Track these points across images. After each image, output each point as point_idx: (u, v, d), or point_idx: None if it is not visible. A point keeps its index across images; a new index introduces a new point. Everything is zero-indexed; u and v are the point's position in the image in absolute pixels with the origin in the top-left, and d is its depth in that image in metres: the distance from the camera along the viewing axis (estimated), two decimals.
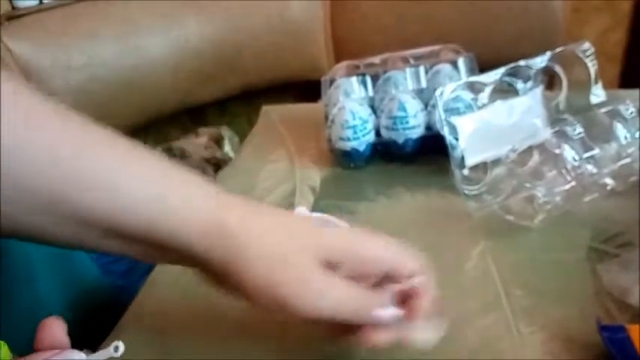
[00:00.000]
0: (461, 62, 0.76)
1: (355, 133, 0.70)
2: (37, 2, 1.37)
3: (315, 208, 0.66)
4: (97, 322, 0.53)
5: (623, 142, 0.62)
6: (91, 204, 0.34)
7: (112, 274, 0.67)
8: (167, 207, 0.36)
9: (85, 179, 0.34)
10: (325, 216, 0.59)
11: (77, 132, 0.35)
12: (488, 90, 0.66)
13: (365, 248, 0.42)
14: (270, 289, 0.37)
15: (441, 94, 0.64)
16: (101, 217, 0.35)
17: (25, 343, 0.51)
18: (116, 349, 0.34)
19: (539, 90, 0.69)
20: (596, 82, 0.70)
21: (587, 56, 0.69)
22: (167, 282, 0.57)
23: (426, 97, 0.72)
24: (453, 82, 0.67)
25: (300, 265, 0.38)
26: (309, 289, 0.37)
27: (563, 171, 0.59)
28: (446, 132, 0.63)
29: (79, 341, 0.53)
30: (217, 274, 0.39)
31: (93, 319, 0.56)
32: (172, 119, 1.56)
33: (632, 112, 0.63)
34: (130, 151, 0.37)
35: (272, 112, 0.92)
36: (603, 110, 0.64)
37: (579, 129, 0.60)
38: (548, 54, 0.68)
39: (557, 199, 0.58)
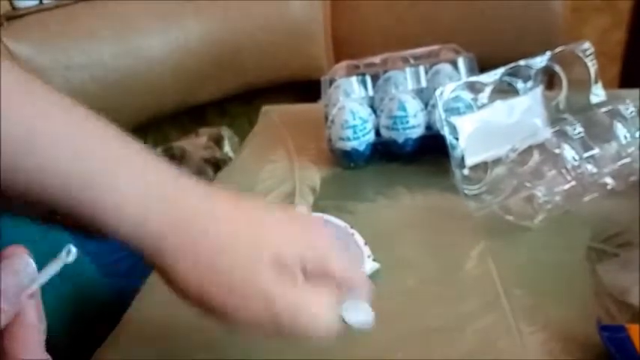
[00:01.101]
0: (461, 62, 0.76)
1: (355, 132, 0.70)
2: (37, 2, 1.37)
3: (315, 208, 0.66)
4: (95, 322, 0.53)
5: (623, 141, 0.62)
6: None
7: (112, 276, 0.67)
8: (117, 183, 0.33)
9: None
10: (325, 216, 0.59)
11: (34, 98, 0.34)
12: (488, 90, 0.66)
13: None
14: (204, 280, 0.34)
15: (441, 93, 0.64)
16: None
17: None
18: (68, 253, 0.32)
19: (539, 90, 0.69)
20: (596, 82, 0.70)
21: (587, 56, 0.69)
22: None
23: (426, 96, 0.72)
24: (453, 81, 0.67)
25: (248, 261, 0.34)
26: (250, 292, 0.34)
27: (563, 171, 0.59)
28: (446, 132, 0.63)
29: (77, 341, 0.53)
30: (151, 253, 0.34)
31: (91, 318, 0.56)
32: (172, 119, 1.56)
33: (632, 112, 0.63)
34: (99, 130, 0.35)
35: (272, 112, 0.92)
36: (603, 110, 0.64)
37: (579, 129, 0.60)
38: (548, 54, 0.68)
39: (557, 198, 0.58)
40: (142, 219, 0.33)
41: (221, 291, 0.33)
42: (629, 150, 0.61)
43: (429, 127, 0.72)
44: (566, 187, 0.58)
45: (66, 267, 0.57)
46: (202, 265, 0.33)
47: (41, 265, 0.54)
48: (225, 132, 1.54)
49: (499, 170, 0.62)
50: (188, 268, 0.33)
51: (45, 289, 0.54)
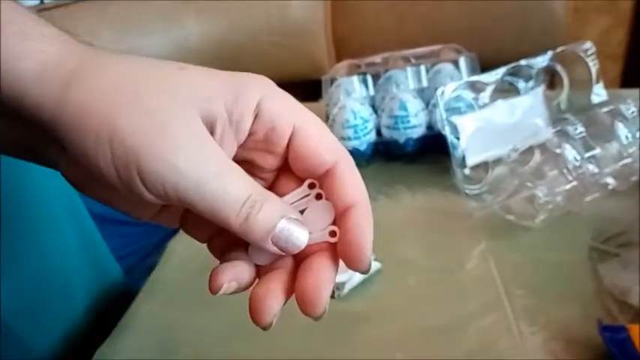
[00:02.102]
0: (462, 62, 0.76)
1: (356, 132, 0.70)
2: (37, 2, 1.37)
3: None
4: (106, 320, 0.53)
5: (625, 141, 0.62)
6: None
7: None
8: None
9: None
10: None
11: None
12: (489, 89, 0.66)
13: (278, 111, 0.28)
14: (111, 132, 0.24)
15: (442, 93, 0.64)
16: None
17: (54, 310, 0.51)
18: None
19: (540, 89, 0.69)
20: (597, 82, 0.70)
21: (589, 56, 0.69)
22: (167, 282, 0.57)
23: (427, 96, 0.72)
24: (454, 81, 0.67)
25: (163, 109, 0.25)
26: (165, 138, 0.25)
27: (565, 171, 0.59)
28: (447, 131, 0.63)
29: (91, 332, 0.53)
30: (48, 129, 0.26)
31: (105, 316, 0.56)
32: None
33: (633, 112, 0.63)
34: None
35: None
36: (604, 110, 0.63)
37: (580, 128, 0.60)
38: (550, 53, 0.68)
39: (558, 198, 0.58)
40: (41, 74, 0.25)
41: (135, 129, 0.25)
42: (631, 150, 0.61)
43: (430, 126, 0.71)
44: (568, 187, 0.58)
45: (96, 266, 0.58)
46: (115, 100, 0.25)
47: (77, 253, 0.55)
48: None
49: (500, 170, 0.62)
50: (100, 110, 0.25)
51: (76, 286, 0.55)
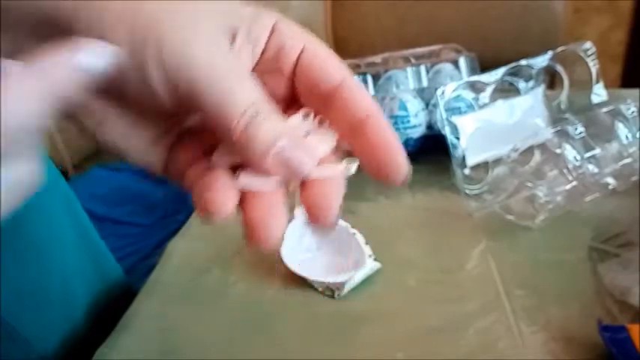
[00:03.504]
0: (462, 61, 0.76)
1: None
2: None
3: None
4: (107, 320, 0.53)
5: (625, 141, 0.62)
6: None
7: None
8: None
9: None
10: None
11: None
12: (489, 89, 0.66)
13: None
14: (135, 12, 0.24)
15: (442, 93, 0.64)
16: None
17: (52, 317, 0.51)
18: None
19: (540, 89, 0.69)
20: (597, 82, 0.70)
21: (589, 56, 0.69)
22: (167, 282, 0.57)
23: (427, 96, 0.72)
24: (454, 81, 0.67)
25: (188, 9, 0.26)
26: (187, 28, 0.25)
27: (565, 171, 0.59)
28: (447, 131, 0.63)
29: (91, 332, 0.53)
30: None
31: (105, 316, 0.56)
32: None
33: (633, 112, 0.63)
34: None
35: None
36: (604, 110, 0.63)
37: (580, 128, 0.60)
38: (550, 53, 0.68)
39: (559, 198, 0.58)
40: None
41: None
42: (631, 150, 0.61)
43: (430, 126, 0.71)
44: (568, 187, 0.58)
45: (97, 266, 0.58)
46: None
47: (75, 248, 0.54)
48: None
49: (500, 170, 0.62)
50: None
51: (76, 286, 0.55)
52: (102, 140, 0.28)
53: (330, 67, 0.28)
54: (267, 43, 0.28)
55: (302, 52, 0.28)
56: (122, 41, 0.24)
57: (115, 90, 0.26)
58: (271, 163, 0.25)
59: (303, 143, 0.26)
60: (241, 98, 0.25)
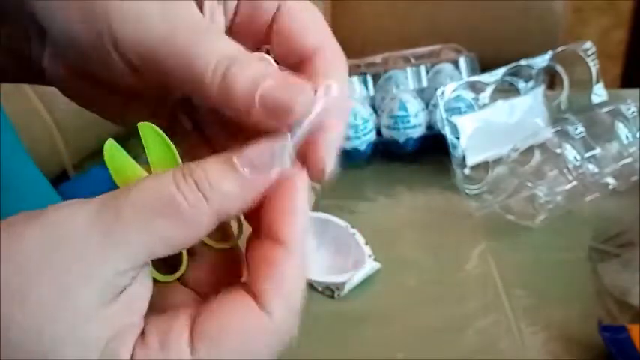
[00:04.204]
0: (462, 62, 0.76)
1: (356, 132, 0.70)
2: None
3: (315, 208, 0.66)
4: None
5: (625, 141, 0.62)
6: None
7: None
8: None
9: None
10: (326, 216, 0.59)
11: None
12: (489, 89, 0.66)
13: None
14: None
15: (442, 93, 0.64)
16: None
17: None
18: None
19: (540, 89, 0.69)
20: (597, 82, 0.70)
21: (589, 56, 0.69)
22: None
23: (427, 96, 0.72)
24: (454, 81, 0.67)
25: None
26: None
27: (565, 170, 0.59)
28: (447, 131, 0.63)
29: None
30: None
31: None
32: None
33: (633, 112, 0.63)
34: None
35: None
36: (604, 110, 0.63)
37: (580, 128, 0.60)
38: (550, 53, 0.68)
39: (559, 198, 0.58)
40: None
41: None
42: (631, 150, 0.61)
43: (430, 126, 0.71)
44: (568, 187, 0.58)
45: None
46: None
47: None
48: None
49: (500, 170, 0.62)
50: None
51: None
52: (87, 109, 0.27)
53: (304, 31, 0.24)
54: (238, 6, 0.25)
55: (277, 12, 0.25)
56: (75, 19, 0.23)
57: (86, 72, 0.24)
58: (259, 110, 0.21)
59: (293, 81, 0.22)
60: (210, 49, 0.22)
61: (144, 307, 0.21)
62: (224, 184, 0.21)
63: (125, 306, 0.20)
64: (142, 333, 0.20)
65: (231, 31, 0.25)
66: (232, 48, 0.22)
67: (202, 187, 0.20)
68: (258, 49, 0.25)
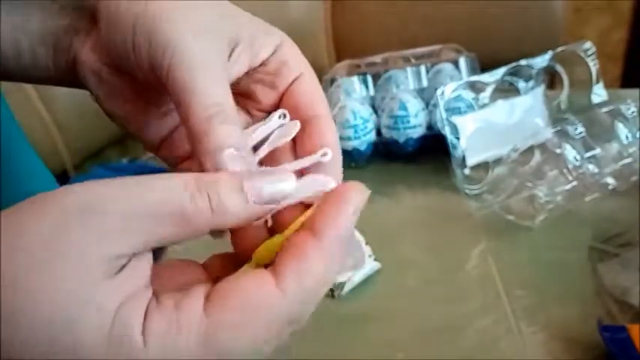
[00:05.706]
0: (462, 62, 0.76)
1: (356, 132, 0.70)
2: None
3: None
4: None
5: (625, 141, 0.62)
6: None
7: None
8: None
9: None
10: None
11: None
12: (489, 89, 0.66)
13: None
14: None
15: (442, 93, 0.64)
16: None
17: None
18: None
19: (540, 89, 0.69)
20: (597, 82, 0.70)
21: (589, 56, 0.69)
22: None
23: (427, 96, 0.72)
24: (454, 81, 0.67)
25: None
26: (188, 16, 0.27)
27: (565, 171, 0.59)
28: (447, 131, 0.63)
29: None
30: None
31: None
32: None
33: (633, 112, 0.63)
34: None
35: None
36: (604, 110, 0.63)
37: (580, 128, 0.60)
38: (550, 53, 0.68)
39: (559, 198, 0.58)
40: None
41: None
42: (631, 150, 0.61)
43: (430, 126, 0.71)
44: (568, 187, 0.58)
45: None
46: None
47: None
48: None
49: (500, 170, 0.62)
50: None
51: None
52: (109, 110, 0.30)
53: (315, 100, 0.30)
54: (270, 57, 0.30)
55: (299, 76, 0.30)
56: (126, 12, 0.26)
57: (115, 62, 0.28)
58: (220, 161, 0.25)
59: (252, 165, 0.27)
60: (213, 93, 0.26)
61: (147, 273, 0.23)
62: (230, 203, 0.23)
63: (129, 275, 0.22)
64: (157, 300, 0.22)
65: (255, 75, 0.30)
66: (227, 102, 0.26)
67: (213, 199, 0.23)
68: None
